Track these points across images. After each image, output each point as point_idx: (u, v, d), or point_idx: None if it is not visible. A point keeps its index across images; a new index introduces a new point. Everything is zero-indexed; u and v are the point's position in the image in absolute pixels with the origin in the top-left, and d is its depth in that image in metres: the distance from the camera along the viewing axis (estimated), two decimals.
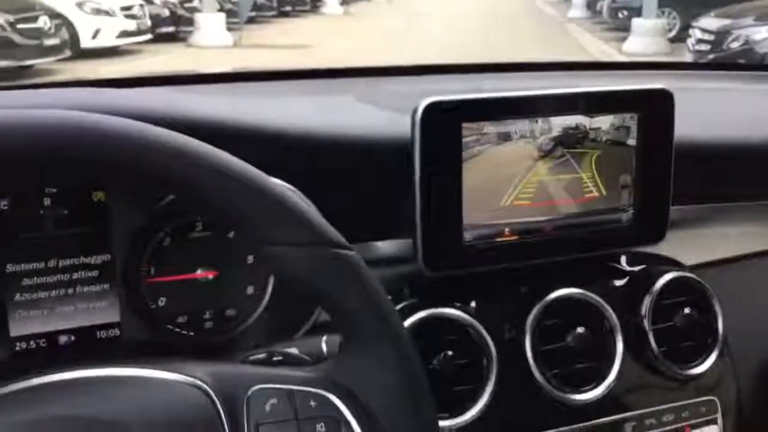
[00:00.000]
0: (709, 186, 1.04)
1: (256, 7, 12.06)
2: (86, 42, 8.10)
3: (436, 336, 0.79)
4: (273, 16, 12.76)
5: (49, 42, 7.18)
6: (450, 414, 0.78)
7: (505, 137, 0.82)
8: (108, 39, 8.43)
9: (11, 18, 6.79)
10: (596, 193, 0.87)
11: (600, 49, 9.79)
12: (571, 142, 0.85)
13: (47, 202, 0.75)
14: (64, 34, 7.50)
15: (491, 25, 11.32)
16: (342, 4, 15.42)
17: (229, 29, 9.93)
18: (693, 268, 0.94)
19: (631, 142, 0.87)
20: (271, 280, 0.83)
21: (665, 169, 0.89)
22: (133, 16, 8.76)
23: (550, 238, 0.86)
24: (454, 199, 0.81)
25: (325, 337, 0.68)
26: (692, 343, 0.89)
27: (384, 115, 0.91)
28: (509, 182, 0.83)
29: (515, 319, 0.83)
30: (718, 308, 0.90)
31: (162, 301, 0.80)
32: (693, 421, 0.89)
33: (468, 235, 0.82)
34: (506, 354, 0.81)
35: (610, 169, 0.87)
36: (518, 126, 0.82)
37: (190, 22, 9.93)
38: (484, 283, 0.85)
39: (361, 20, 13.76)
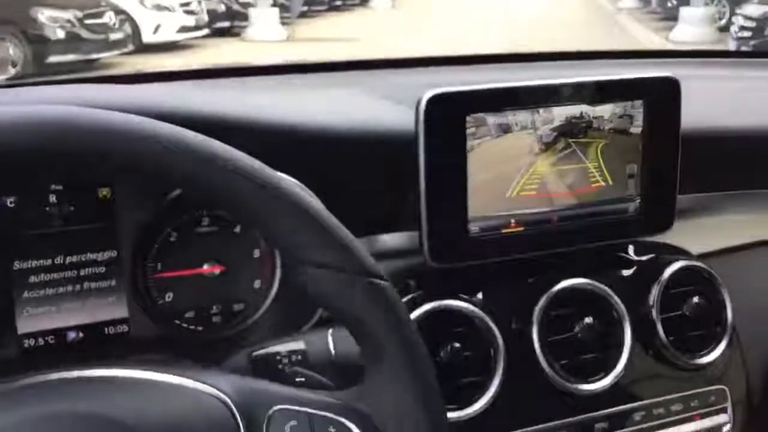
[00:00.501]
0: (716, 174, 1.04)
1: (308, 2, 12.36)
2: (147, 37, 8.43)
3: (443, 328, 0.79)
4: (324, 11, 13.02)
5: (114, 37, 7.58)
6: (458, 406, 0.78)
7: (510, 128, 0.82)
8: (168, 34, 8.73)
9: (80, 14, 7.20)
10: (603, 183, 0.87)
11: (648, 38, 9.74)
12: (576, 131, 0.85)
13: (53, 198, 0.75)
14: (128, 29, 7.90)
15: (540, 17, 11.22)
16: None
17: (282, 23, 10.23)
18: (701, 257, 0.93)
19: (637, 130, 0.87)
20: (278, 275, 0.83)
21: (672, 158, 0.89)
22: (191, 12, 9.09)
23: (557, 229, 0.86)
24: (459, 190, 0.81)
25: (331, 331, 0.68)
26: (701, 332, 0.88)
27: (389, 107, 0.91)
28: (515, 173, 0.83)
29: (522, 310, 0.83)
30: (726, 297, 0.90)
31: (169, 297, 0.81)
32: (702, 411, 0.89)
33: (474, 227, 0.82)
34: (514, 345, 0.81)
35: (616, 158, 0.87)
36: (522, 116, 0.82)
37: (245, 17, 10.26)
38: (490, 275, 0.85)
39: (409, 13, 13.71)
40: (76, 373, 0.56)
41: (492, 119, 0.81)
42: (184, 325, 0.81)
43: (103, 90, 0.85)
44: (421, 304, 0.79)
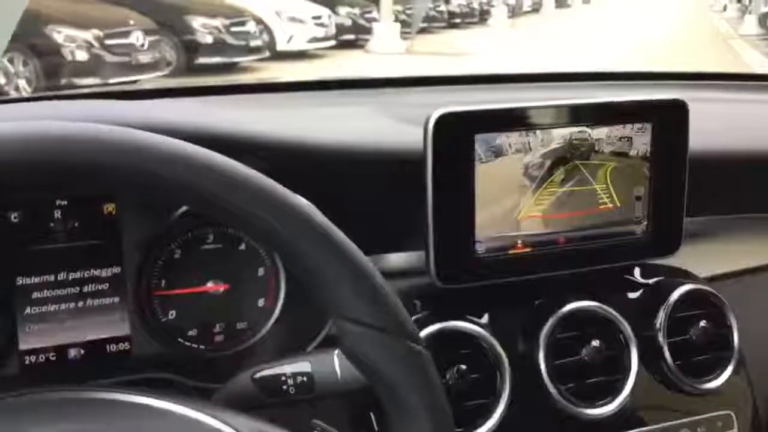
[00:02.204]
0: (724, 197, 1.03)
1: (428, 19, 12.99)
2: (281, 45, 9.30)
3: (448, 349, 0.79)
4: (443, 27, 13.55)
5: (254, 44, 8.50)
6: (464, 429, 0.77)
7: (518, 149, 0.81)
8: (299, 43, 9.56)
9: (226, 22, 8.14)
10: (610, 205, 0.86)
11: (760, 62, 9.74)
12: (583, 153, 0.84)
13: (58, 214, 0.74)
14: (265, 37, 8.84)
15: (654, 39, 11.21)
16: (511, 17, 15.97)
17: (402, 38, 11.03)
18: (708, 281, 0.93)
19: (645, 152, 0.86)
20: (282, 294, 0.83)
21: (679, 181, 0.88)
22: (321, 24, 9.91)
23: (564, 251, 0.85)
24: (466, 210, 0.80)
25: (337, 352, 0.67)
26: (708, 357, 0.88)
27: (397, 127, 0.90)
28: (522, 194, 0.83)
29: (529, 333, 0.82)
30: (733, 321, 0.89)
31: (172, 314, 0.80)
32: None
33: (480, 248, 0.82)
34: (519, 368, 0.80)
35: (623, 180, 0.86)
36: (531, 137, 0.82)
37: (369, 30, 11.09)
38: (496, 296, 0.84)
39: (525, 32, 14.11)
40: (95, 395, 0.55)
41: (500, 139, 0.80)
42: (187, 343, 0.80)
43: (120, 106, 0.85)
44: (427, 325, 0.78)
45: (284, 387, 0.67)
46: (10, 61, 6.00)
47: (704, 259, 0.97)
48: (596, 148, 0.85)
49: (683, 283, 0.88)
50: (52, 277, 0.75)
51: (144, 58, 6.91)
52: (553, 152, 0.83)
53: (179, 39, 7.75)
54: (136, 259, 0.77)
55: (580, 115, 0.84)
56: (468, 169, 0.79)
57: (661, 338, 0.85)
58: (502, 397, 0.79)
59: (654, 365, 0.86)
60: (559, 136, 0.83)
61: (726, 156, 1.02)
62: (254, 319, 0.82)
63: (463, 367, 0.78)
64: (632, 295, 0.90)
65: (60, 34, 6.43)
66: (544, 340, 0.81)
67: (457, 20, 14.31)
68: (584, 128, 0.84)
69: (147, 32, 7.02)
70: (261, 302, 0.83)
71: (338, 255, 0.54)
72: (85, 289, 0.76)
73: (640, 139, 0.86)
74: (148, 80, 6.64)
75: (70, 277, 0.75)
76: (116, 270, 0.77)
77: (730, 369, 0.88)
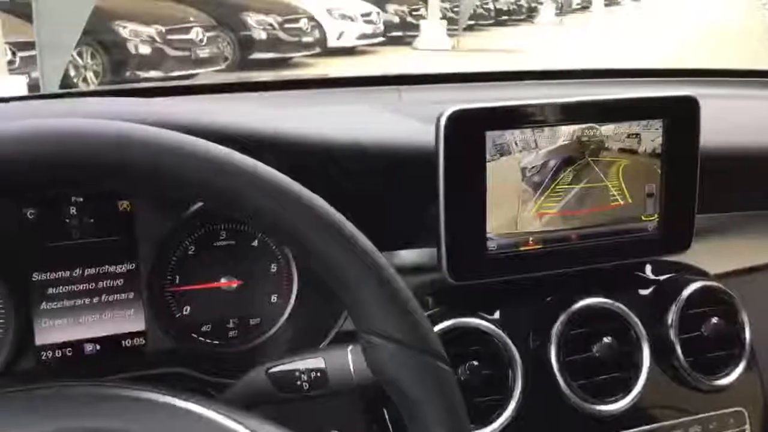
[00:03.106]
0: (735, 194, 1.03)
1: (475, 17, 13.14)
2: (332, 42, 9.62)
3: (460, 346, 0.79)
4: (490, 25, 13.77)
5: (305, 40, 9.01)
6: (476, 425, 0.77)
7: (529, 145, 0.81)
8: (349, 40, 9.99)
9: (280, 19, 8.68)
10: (621, 202, 0.86)
11: None
12: (594, 150, 0.84)
13: (73, 210, 0.75)
14: (317, 34, 9.25)
15: (708, 37, 11.06)
16: (559, 14, 16.05)
17: (449, 35, 11.21)
18: (719, 277, 0.93)
19: (656, 149, 0.86)
20: (295, 290, 0.83)
21: (691, 177, 0.88)
22: (370, 22, 10.39)
23: (575, 247, 0.85)
24: (478, 207, 0.80)
25: (350, 348, 0.67)
26: (719, 354, 0.88)
27: (409, 124, 0.91)
28: (533, 191, 0.83)
29: (540, 329, 0.83)
30: (745, 318, 0.89)
31: (186, 310, 0.80)
32: None
33: (492, 244, 0.82)
34: (531, 364, 0.80)
35: (635, 177, 0.86)
36: (542, 134, 0.82)
37: (416, 27, 11.43)
38: (508, 293, 0.85)
39: (573, 30, 14.08)
40: (123, 393, 0.55)
41: (511, 136, 0.81)
42: (201, 338, 0.81)
43: (136, 103, 0.85)
44: (439, 321, 0.79)
45: (298, 382, 0.67)
46: (80, 54, 6.35)
47: (715, 256, 0.97)
48: (607, 145, 0.85)
49: (695, 280, 0.89)
50: (67, 273, 0.76)
51: (202, 53, 7.38)
52: (564, 149, 0.83)
53: (235, 35, 8.26)
54: (151, 255, 0.78)
55: (592, 111, 0.84)
56: (479, 166, 0.80)
57: (672, 335, 0.85)
58: (514, 393, 0.79)
59: (666, 362, 0.86)
60: (570, 133, 0.83)
61: (737, 153, 1.01)
62: (267, 315, 0.83)
63: (475, 363, 0.78)
64: (644, 292, 0.90)
65: (125, 30, 6.90)
66: (555, 336, 0.82)
67: (505, 18, 14.45)
68: (595, 125, 0.84)
69: (206, 28, 7.47)
70: (274, 298, 0.83)
71: (373, 272, 0.53)
72: (101, 284, 0.77)
73: (651, 135, 0.86)
74: (205, 74, 7.22)
75: (86, 273, 0.76)
76: (131, 266, 0.78)
77: (741, 366, 0.88)
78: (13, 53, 5.34)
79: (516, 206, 0.82)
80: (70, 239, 0.75)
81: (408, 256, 0.88)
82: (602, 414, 0.82)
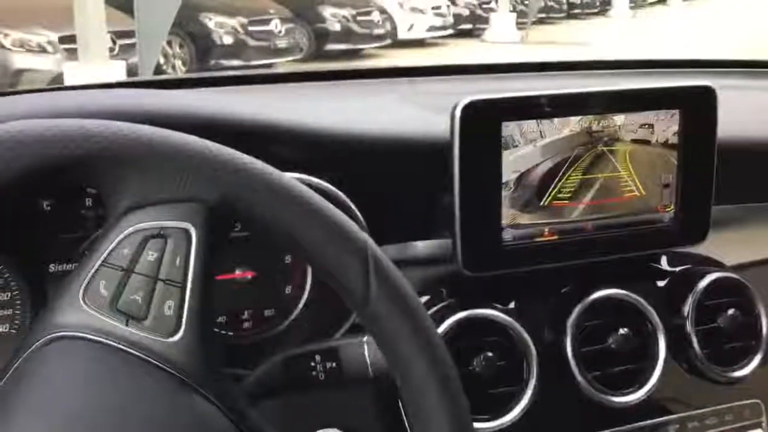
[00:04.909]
0: (751, 185, 1.02)
1: (546, 9, 13.20)
2: (402, 34, 10.00)
3: (475, 337, 0.79)
4: (561, 18, 13.79)
5: (377, 32, 9.42)
6: (490, 416, 0.77)
7: (543, 136, 0.81)
8: (418, 32, 10.25)
9: (353, 11, 9.16)
10: (637, 192, 0.86)
11: None
12: (610, 140, 0.84)
13: (89, 202, 0.75)
14: (388, 26, 9.67)
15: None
16: (633, 8, 15.88)
17: (518, 28, 11.32)
18: (735, 269, 0.92)
19: (673, 140, 0.86)
20: (309, 280, 0.83)
21: (707, 168, 0.88)
22: (440, 14, 10.61)
23: (591, 238, 0.85)
24: (493, 198, 0.80)
25: (366, 338, 0.67)
26: (736, 345, 0.87)
27: (423, 115, 0.91)
28: (548, 181, 0.82)
29: (555, 320, 0.82)
30: (761, 309, 0.88)
31: None
32: (737, 425, 0.88)
33: (507, 235, 0.82)
34: (547, 355, 0.80)
35: (651, 167, 0.86)
36: (556, 124, 0.81)
37: (486, 20, 11.67)
38: (523, 284, 0.84)
39: (647, 23, 13.82)
40: None
41: (526, 127, 0.80)
42: (215, 330, 0.81)
43: (150, 94, 0.85)
44: (453, 313, 0.78)
45: (314, 373, 0.67)
46: (169, 44, 6.81)
47: (731, 247, 0.96)
48: (622, 136, 0.84)
49: (711, 271, 0.88)
50: None
51: (281, 43, 7.90)
52: (579, 139, 0.83)
53: (311, 27, 8.81)
54: None
55: (608, 102, 0.83)
56: (495, 156, 0.79)
57: (689, 326, 0.85)
58: (529, 384, 0.79)
59: (681, 353, 0.86)
60: (585, 123, 0.82)
61: (755, 143, 1.01)
62: (282, 306, 0.82)
63: (490, 354, 0.78)
64: (659, 283, 0.89)
65: (211, 21, 7.49)
66: (571, 327, 0.81)
67: (577, 11, 14.41)
68: (611, 115, 0.83)
69: (284, 20, 7.98)
70: (288, 289, 0.83)
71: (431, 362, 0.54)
72: None
73: (668, 126, 0.85)
74: (282, 64, 7.74)
75: None
76: None
77: (758, 357, 0.87)
78: (113, 41, 5.69)
79: (531, 197, 0.82)
80: (86, 231, 0.75)
81: (422, 247, 0.88)
82: (618, 405, 0.81)
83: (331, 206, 0.55)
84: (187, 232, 0.52)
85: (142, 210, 0.51)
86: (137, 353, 0.49)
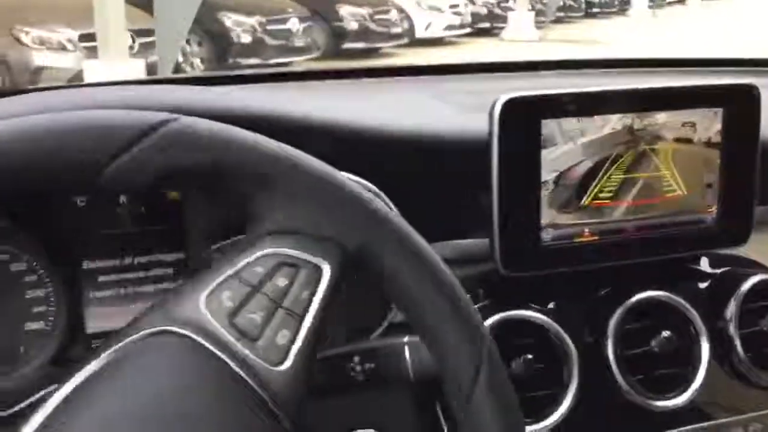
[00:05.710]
0: None
1: (564, 8, 13.20)
2: (420, 32, 9.87)
3: (513, 339, 0.77)
4: (580, 17, 13.78)
5: (394, 30, 9.36)
6: (531, 419, 0.76)
7: (584, 134, 0.79)
8: (436, 31, 10.18)
9: (370, 10, 9.11)
10: (678, 192, 0.84)
11: None
12: (651, 139, 0.82)
13: (123, 199, 0.74)
14: (405, 25, 9.58)
15: None
16: (651, 7, 15.86)
17: (537, 27, 11.39)
18: None
19: (715, 139, 0.84)
20: None
21: (750, 168, 0.86)
22: (458, 13, 10.57)
23: (631, 239, 0.83)
24: (532, 197, 0.78)
25: (406, 339, 0.66)
26: None
27: (457, 113, 0.89)
28: (588, 181, 0.81)
29: (596, 322, 0.81)
30: None
31: None
32: None
33: (546, 235, 0.80)
34: (587, 358, 0.78)
35: (693, 167, 0.84)
36: (597, 122, 0.80)
37: (504, 19, 11.62)
38: (562, 285, 0.83)
39: (665, 23, 13.81)
40: None
41: (567, 125, 0.78)
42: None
43: (177, 91, 0.84)
44: (492, 314, 0.77)
45: (352, 373, 0.66)
46: (187, 42, 6.79)
47: None
48: (664, 134, 0.82)
49: (754, 274, 0.86)
50: (117, 261, 0.75)
51: (298, 42, 7.89)
52: (619, 138, 0.81)
53: (329, 26, 8.80)
54: (199, 245, 0.77)
55: (649, 99, 0.81)
56: (534, 154, 0.78)
57: (732, 329, 0.83)
58: (570, 387, 0.77)
59: (724, 357, 0.84)
60: (627, 121, 0.80)
61: None
62: None
63: (530, 356, 0.77)
64: (701, 285, 0.87)
65: (229, 20, 7.48)
66: (612, 330, 0.80)
67: (595, 10, 14.39)
68: (653, 114, 0.81)
69: (302, 19, 7.97)
70: None
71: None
72: (150, 273, 0.76)
73: (711, 124, 0.83)
74: (299, 62, 7.70)
75: (136, 262, 0.75)
76: (180, 255, 0.77)
77: None
78: (133, 39, 5.72)
79: (571, 196, 0.80)
80: (120, 228, 0.74)
81: (459, 246, 0.86)
82: (660, 410, 0.80)
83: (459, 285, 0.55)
84: (319, 268, 0.52)
85: (282, 235, 0.52)
86: (238, 370, 0.48)
